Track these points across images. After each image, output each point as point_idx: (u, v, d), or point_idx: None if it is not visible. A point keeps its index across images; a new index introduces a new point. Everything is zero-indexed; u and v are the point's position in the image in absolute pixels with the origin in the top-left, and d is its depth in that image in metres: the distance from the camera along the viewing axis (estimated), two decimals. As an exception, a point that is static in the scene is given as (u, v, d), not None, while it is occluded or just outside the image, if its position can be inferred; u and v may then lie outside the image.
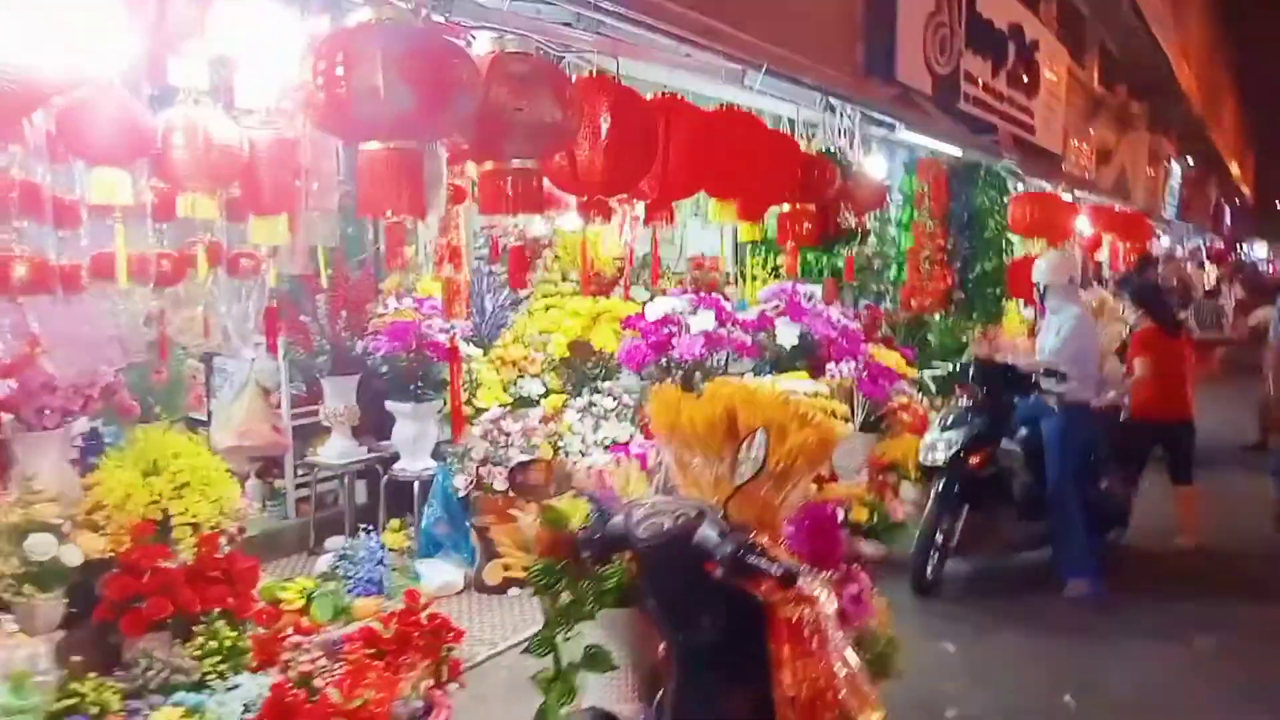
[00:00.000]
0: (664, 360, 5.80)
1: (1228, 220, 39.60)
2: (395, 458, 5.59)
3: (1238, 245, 39.42)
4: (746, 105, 5.96)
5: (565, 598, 2.54)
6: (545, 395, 5.75)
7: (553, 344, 6.01)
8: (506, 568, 4.29)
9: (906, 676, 3.05)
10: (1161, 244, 21.81)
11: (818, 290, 7.23)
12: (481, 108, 2.91)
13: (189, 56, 3.05)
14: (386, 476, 5.55)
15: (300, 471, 5.78)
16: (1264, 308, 10.07)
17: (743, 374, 6.19)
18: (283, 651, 3.44)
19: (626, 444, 5.31)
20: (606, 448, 5.31)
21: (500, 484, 5.03)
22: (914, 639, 4.11)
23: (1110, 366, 7.58)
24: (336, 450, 5.56)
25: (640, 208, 4.63)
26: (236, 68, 3.24)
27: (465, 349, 5.52)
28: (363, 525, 5.01)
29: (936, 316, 9.18)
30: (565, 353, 6.00)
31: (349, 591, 4.36)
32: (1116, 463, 6.03)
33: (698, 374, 5.75)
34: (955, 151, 9.59)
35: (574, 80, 3.78)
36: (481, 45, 3.22)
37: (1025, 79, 12.06)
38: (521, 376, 5.84)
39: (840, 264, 7.80)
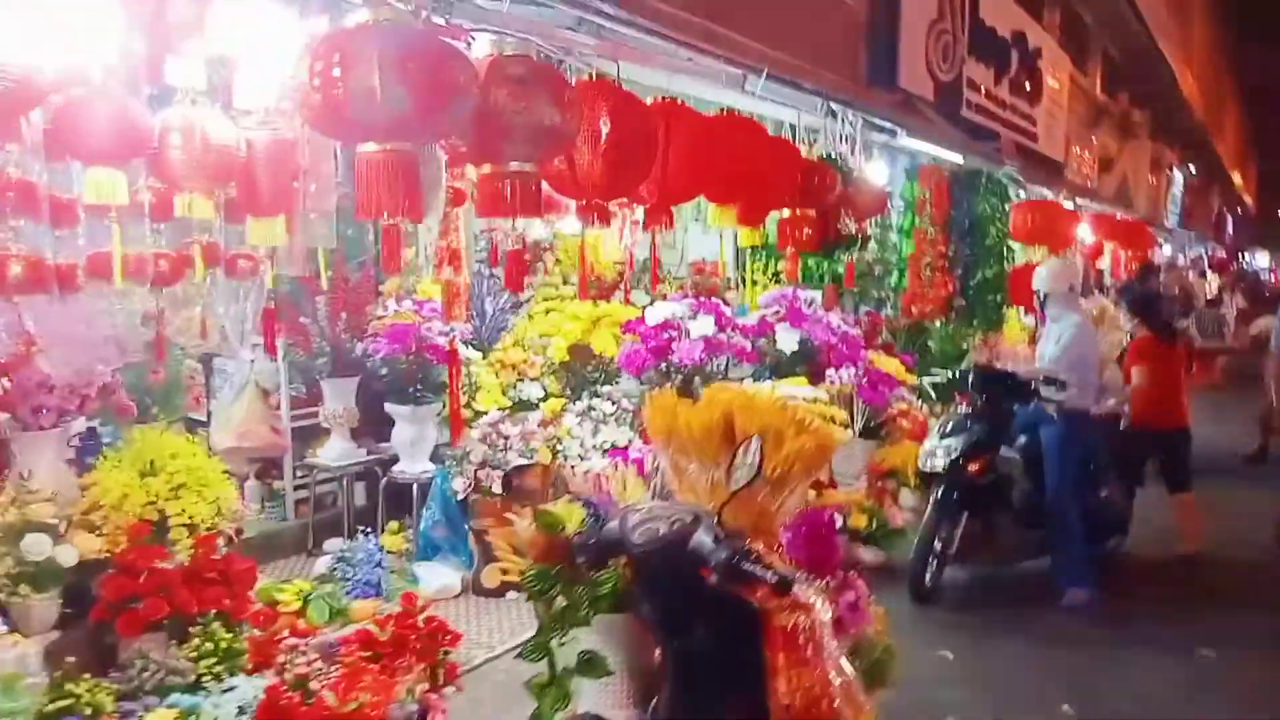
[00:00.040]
0: (664, 365, 5.79)
1: (1230, 229, 39.57)
2: (394, 460, 5.58)
3: (1240, 254, 39.44)
4: (748, 110, 5.97)
5: (560, 603, 2.53)
6: (544, 399, 5.74)
7: (552, 347, 6.00)
8: (504, 571, 4.28)
9: (904, 684, 3.03)
10: (1163, 252, 21.80)
11: (818, 296, 7.22)
12: (480, 110, 2.91)
13: (187, 56, 3.05)
14: (385, 479, 5.54)
15: (299, 473, 5.77)
16: (1265, 317, 10.08)
17: (742, 379, 6.18)
18: (279, 654, 3.42)
19: (625, 448, 5.30)
20: (605, 452, 5.30)
21: (497, 487, 5.02)
22: (912, 646, 4.09)
23: (1111, 374, 7.57)
24: (335, 452, 5.55)
25: (640, 212, 4.63)
26: (235, 68, 3.23)
27: (465, 352, 5.51)
28: (361, 527, 5.01)
29: (937, 323, 9.18)
30: (565, 356, 5.99)
31: (347, 594, 4.36)
32: (1116, 471, 6.01)
33: (697, 379, 5.74)
34: (957, 158, 9.59)
35: (574, 83, 3.78)
36: (480, 48, 3.22)
37: (1028, 86, 12.07)
38: (521, 380, 5.83)
39: (841, 270, 7.79)
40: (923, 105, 8.80)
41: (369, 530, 4.89)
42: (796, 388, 6.06)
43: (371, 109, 2.59)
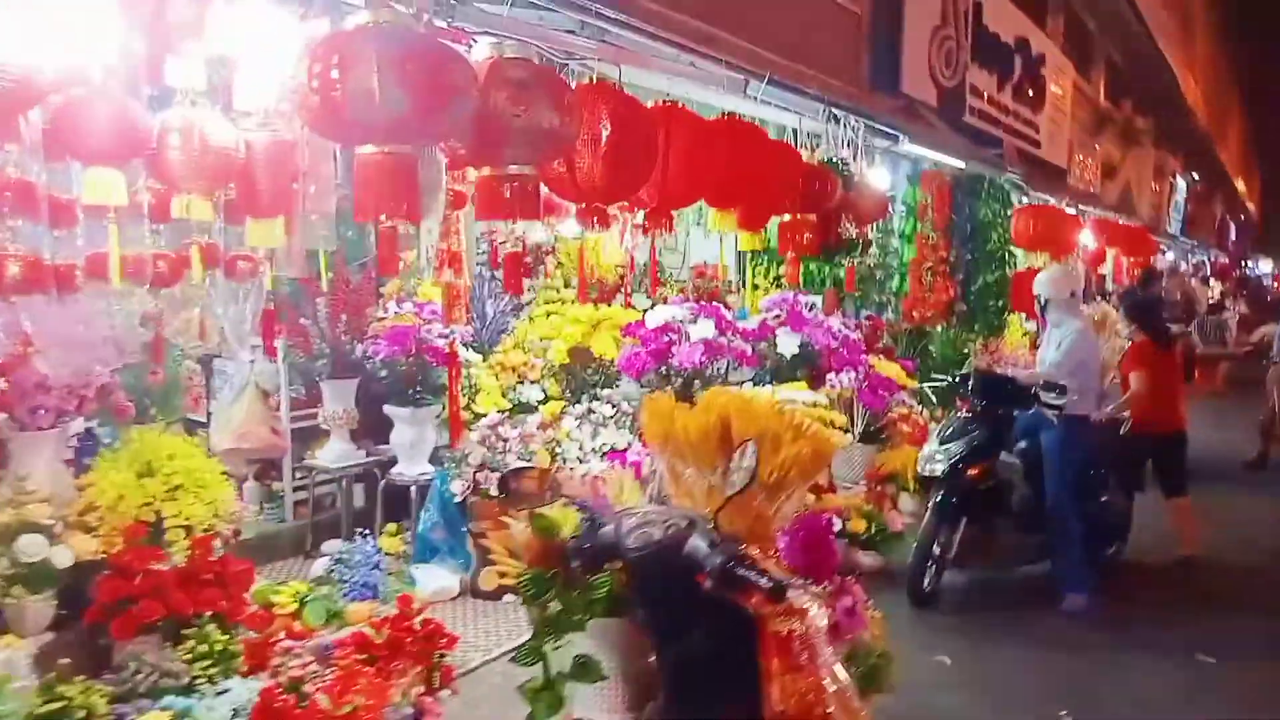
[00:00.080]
0: (664, 368, 5.79)
1: (1233, 236, 39.56)
2: (393, 462, 5.57)
3: (1242, 261, 39.39)
4: (751, 115, 5.96)
5: (554, 607, 2.52)
6: (544, 401, 5.74)
7: (553, 350, 6.00)
8: (502, 574, 4.28)
9: (903, 688, 3.03)
10: (1166, 259, 21.80)
11: (819, 300, 7.22)
12: (479, 113, 2.90)
13: (187, 57, 3.04)
14: (384, 481, 5.54)
15: (298, 474, 5.76)
16: (1268, 324, 10.07)
17: (742, 383, 6.18)
18: (274, 656, 3.41)
19: (624, 451, 5.29)
20: (604, 455, 5.30)
21: (495, 491, 5.02)
22: (910, 651, 4.10)
23: (1113, 380, 7.57)
24: (335, 454, 5.55)
25: (641, 215, 4.63)
26: (235, 69, 3.23)
27: (465, 354, 5.51)
28: (360, 529, 5.00)
29: (938, 328, 9.17)
30: (565, 359, 5.99)
31: (345, 595, 4.36)
32: (1116, 476, 6.00)
33: (697, 382, 5.73)
34: (959, 164, 9.59)
35: (574, 87, 3.77)
36: (481, 51, 3.21)
37: (1031, 93, 12.08)
38: (521, 382, 5.82)
39: (842, 274, 7.79)
40: (925, 111, 8.82)
41: (367, 532, 4.88)
42: (796, 392, 6.07)
43: (370, 111, 2.58)
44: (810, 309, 6.89)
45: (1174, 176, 23.84)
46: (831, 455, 2.84)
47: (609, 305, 6.42)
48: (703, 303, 6.26)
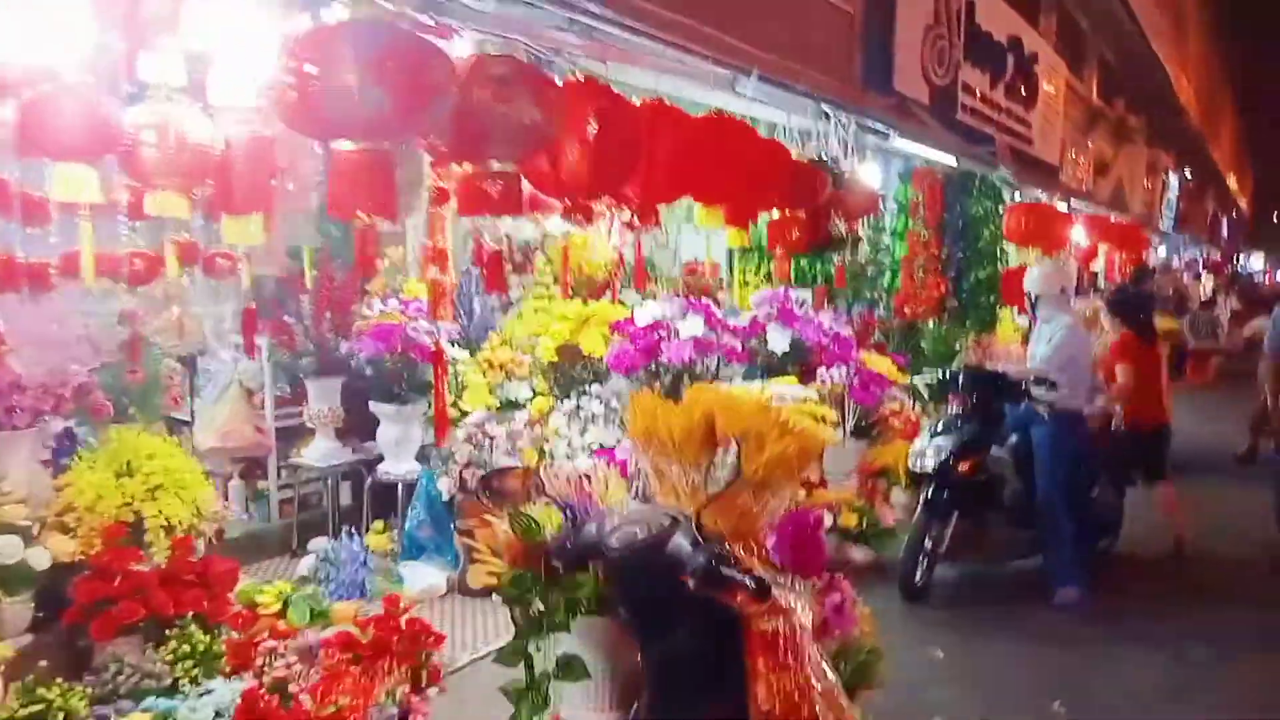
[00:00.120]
0: (653, 365, 5.75)
1: (1224, 232, 39.66)
2: (379, 460, 5.54)
3: (1234, 257, 39.51)
4: (741, 112, 5.93)
5: (536, 607, 2.49)
6: (532, 399, 5.70)
7: (540, 347, 5.96)
8: (488, 573, 4.25)
9: (894, 683, 3.01)
10: (1158, 255, 21.82)
11: (810, 296, 7.19)
12: (461, 109, 2.86)
13: (161, 51, 2.99)
14: (370, 479, 5.50)
15: (284, 473, 5.72)
16: (1259, 319, 10.10)
17: (732, 379, 6.15)
18: (258, 656, 3.37)
19: (613, 448, 5.25)
20: (593, 452, 5.26)
21: (478, 491, 4.98)
22: (902, 645, 4.09)
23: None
24: (320, 452, 5.51)
25: (629, 213, 4.59)
26: (211, 64, 3.18)
27: (451, 351, 5.47)
28: (346, 527, 4.96)
29: (930, 323, 9.15)
30: (553, 356, 5.95)
31: (331, 594, 4.32)
32: (1107, 471, 6.00)
33: (686, 379, 5.69)
34: (951, 161, 9.57)
35: (559, 83, 3.74)
36: (465, 47, 3.18)
37: (1023, 91, 12.04)
38: (509, 379, 5.78)
39: (833, 270, 7.77)
40: (918, 109, 8.77)
41: (354, 530, 4.84)
42: (787, 387, 6.03)
43: (348, 107, 2.55)
44: (800, 305, 6.86)
45: (1166, 173, 23.85)
46: (817, 452, 2.81)
47: (598, 301, 6.38)
48: (693, 299, 6.22)
